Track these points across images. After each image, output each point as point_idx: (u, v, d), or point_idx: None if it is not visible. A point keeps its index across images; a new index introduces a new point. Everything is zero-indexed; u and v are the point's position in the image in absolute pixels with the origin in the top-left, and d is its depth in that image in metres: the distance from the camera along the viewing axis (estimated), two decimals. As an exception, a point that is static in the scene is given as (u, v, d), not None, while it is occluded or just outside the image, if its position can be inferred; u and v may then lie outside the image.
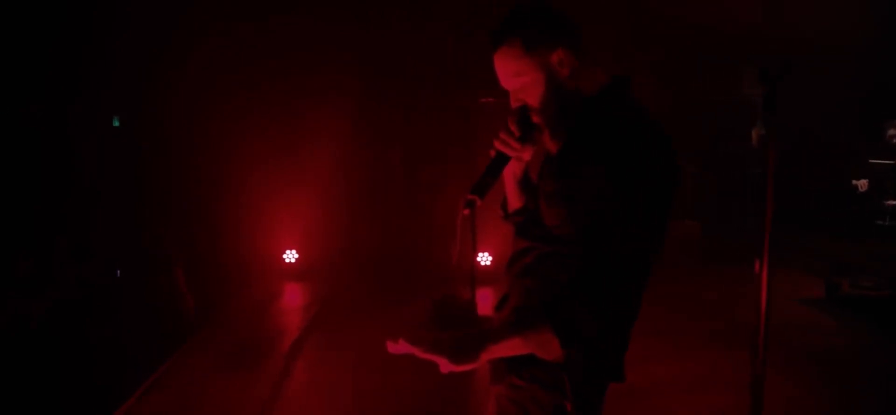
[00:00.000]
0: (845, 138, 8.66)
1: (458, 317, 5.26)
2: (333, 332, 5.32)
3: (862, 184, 8.34)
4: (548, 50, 1.79)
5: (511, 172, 1.93)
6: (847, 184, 8.44)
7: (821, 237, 7.78)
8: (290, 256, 6.96)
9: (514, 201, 1.96)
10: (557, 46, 1.79)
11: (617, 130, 1.67)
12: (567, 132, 1.80)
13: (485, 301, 5.52)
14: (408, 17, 7.32)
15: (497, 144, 1.84)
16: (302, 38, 6.91)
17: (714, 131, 8.51)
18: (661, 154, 1.64)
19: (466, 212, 1.78)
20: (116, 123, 7.23)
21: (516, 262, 1.90)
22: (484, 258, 6.17)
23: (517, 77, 1.82)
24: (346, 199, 7.17)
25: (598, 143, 1.68)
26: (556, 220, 1.78)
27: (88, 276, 5.35)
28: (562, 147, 1.81)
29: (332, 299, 6.15)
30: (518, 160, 1.89)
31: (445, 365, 1.56)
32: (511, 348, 1.60)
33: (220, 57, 6.61)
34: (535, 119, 1.82)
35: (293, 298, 6.40)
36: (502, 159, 1.84)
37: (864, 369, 4.38)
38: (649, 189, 1.61)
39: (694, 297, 6.07)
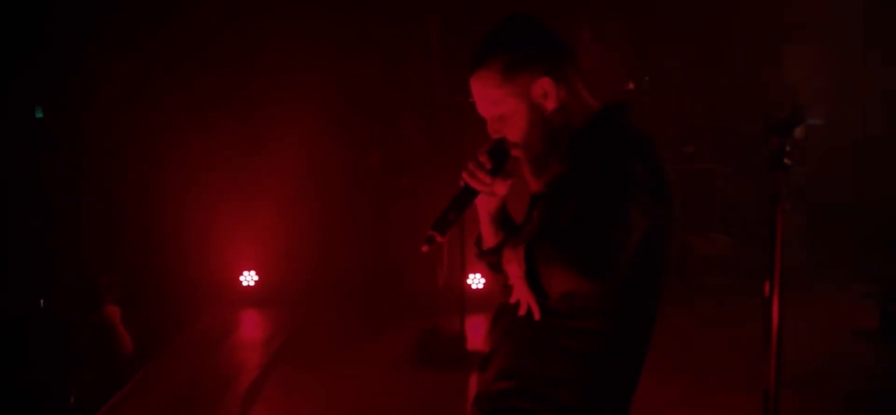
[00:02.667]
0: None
1: (444, 354, 5.26)
2: (299, 371, 5.28)
3: None
4: (530, 78, 1.80)
5: (485, 208, 1.96)
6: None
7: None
8: (249, 278, 6.90)
9: (489, 238, 2.00)
10: (542, 75, 1.80)
11: (600, 158, 1.69)
12: (553, 173, 1.81)
13: (476, 331, 5.51)
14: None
15: (465, 176, 1.85)
16: (266, 17, 6.90)
17: (749, 128, 8.44)
18: (643, 178, 1.67)
19: (425, 249, 1.84)
20: (39, 115, 7.07)
21: (502, 316, 1.91)
22: (475, 281, 6.14)
23: (495, 106, 1.83)
24: (314, 210, 7.09)
25: (581, 175, 1.69)
26: None
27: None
28: (547, 190, 1.82)
29: (298, 331, 6.11)
30: (491, 195, 1.92)
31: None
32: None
33: (165, 36, 6.54)
34: (515, 154, 1.83)
35: (252, 330, 6.37)
36: (470, 193, 1.87)
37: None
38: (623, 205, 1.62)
39: (715, 325, 6.01)
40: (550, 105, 1.81)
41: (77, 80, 6.39)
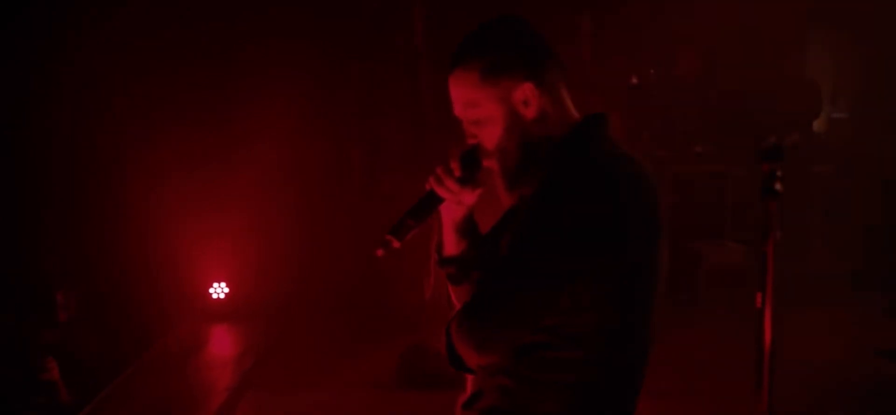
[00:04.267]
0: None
1: (430, 373, 5.21)
2: (273, 393, 5.27)
3: None
4: (511, 83, 1.82)
5: (449, 215, 2.00)
6: None
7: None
8: (219, 290, 6.90)
9: (451, 246, 2.04)
10: (524, 80, 1.81)
11: (577, 180, 1.73)
12: (527, 188, 1.84)
13: (465, 348, 5.44)
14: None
15: (431, 181, 1.89)
16: (239, 13, 6.92)
17: (764, 120, 8.40)
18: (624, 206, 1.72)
19: (380, 253, 1.91)
20: None
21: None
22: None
23: (471, 108, 1.86)
24: (289, 217, 7.10)
25: (557, 195, 1.73)
26: None
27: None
28: (522, 207, 1.85)
29: (272, 349, 6.09)
30: (457, 204, 1.96)
31: None
32: None
33: (131, 32, 6.50)
34: (488, 164, 1.87)
35: (221, 347, 6.35)
36: (434, 200, 1.91)
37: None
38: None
39: (726, 342, 6.00)
40: (531, 114, 1.82)
41: (37, 79, 6.36)
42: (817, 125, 8.45)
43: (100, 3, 6.39)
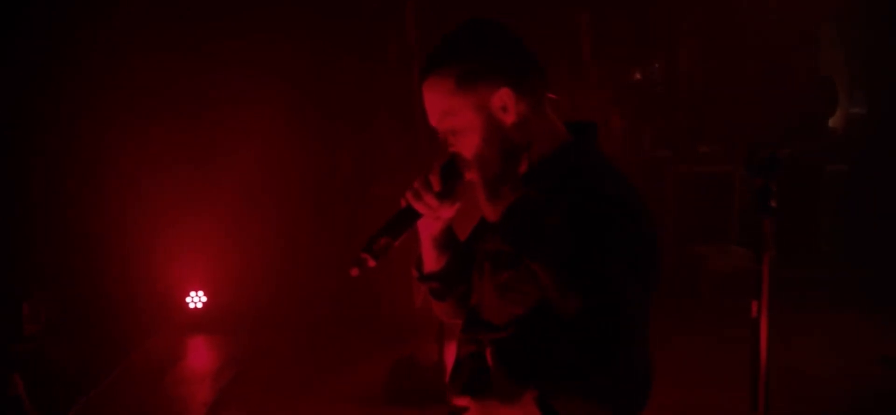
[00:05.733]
0: None
1: (420, 388, 5.25)
2: (253, 410, 5.27)
3: None
4: (488, 88, 1.84)
5: (427, 231, 2.02)
6: None
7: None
8: (196, 299, 6.93)
9: (431, 263, 2.07)
10: (501, 85, 1.84)
11: (572, 203, 1.74)
12: (511, 199, 1.86)
13: (455, 360, 5.48)
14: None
15: (409, 197, 1.91)
16: (219, 8, 6.92)
17: (774, 116, 8.40)
18: (624, 230, 1.73)
19: (355, 272, 1.89)
20: None
21: (463, 370, 1.97)
22: (458, 302, 6.13)
23: (446, 117, 1.88)
24: (272, 222, 7.13)
25: (549, 219, 1.75)
26: (504, 319, 1.85)
27: None
28: (506, 221, 1.87)
29: (252, 363, 6.08)
30: (436, 219, 1.98)
31: None
32: None
33: (104, 29, 6.55)
34: (469, 177, 1.89)
35: (198, 360, 6.35)
36: (412, 216, 1.92)
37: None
38: (607, 276, 1.68)
39: (732, 353, 6.03)
40: (509, 119, 1.84)
41: (4, 79, 6.37)
42: (833, 122, 8.46)
43: (80, 4, 6.42)
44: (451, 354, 5.30)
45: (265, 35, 6.96)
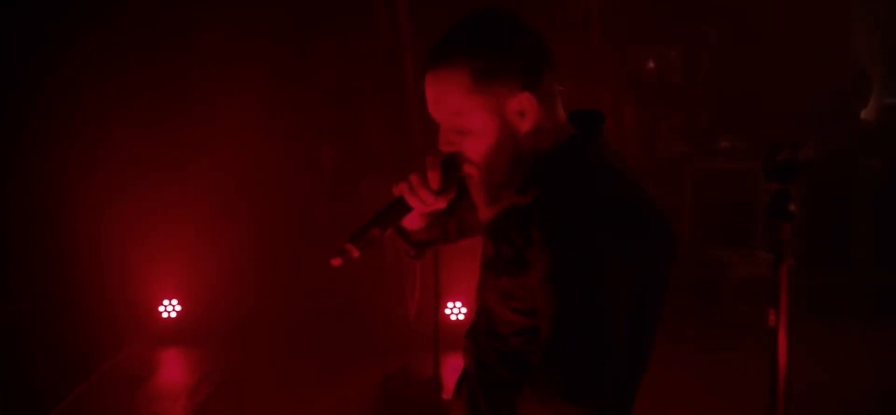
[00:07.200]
0: None
1: (415, 403, 5.28)
2: (231, 429, 5.32)
3: None
4: (505, 91, 1.80)
5: (414, 222, 2.11)
6: None
7: None
8: (170, 308, 6.92)
9: (415, 235, 2.19)
10: (520, 88, 1.80)
11: (575, 206, 1.73)
12: (508, 203, 1.86)
13: (454, 374, 5.47)
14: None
15: (403, 190, 1.94)
16: None
17: (802, 107, 8.40)
18: (632, 235, 1.74)
19: (337, 262, 1.95)
20: None
21: (464, 385, 2.05)
22: (454, 310, 6.16)
23: (456, 117, 1.85)
24: (250, 225, 7.15)
25: (549, 222, 1.73)
26: (509, 329, 1.86)
27: None
28: (495, 226, 1.89)
29: (232, 375, 6.09)
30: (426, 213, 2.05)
31: None
32: None
33: (68, 18, 6.47)
34: (468, 170, 1.88)
35: (172, 374, 6.35)
36: (403, 208, 1.96)
37: None
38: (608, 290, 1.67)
39: (755, 367, 6.02)
40: (526, 126, 1.81)
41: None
42: (866, 113, 8.46)
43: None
44: (447, 367, 5.33)
45: (239, 24, 7.02)
